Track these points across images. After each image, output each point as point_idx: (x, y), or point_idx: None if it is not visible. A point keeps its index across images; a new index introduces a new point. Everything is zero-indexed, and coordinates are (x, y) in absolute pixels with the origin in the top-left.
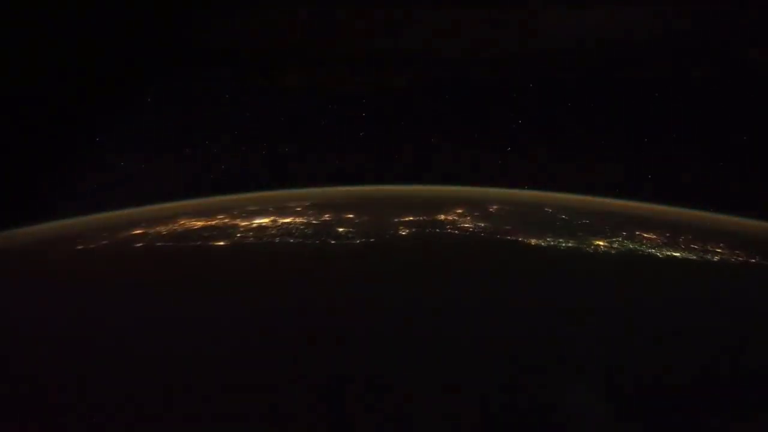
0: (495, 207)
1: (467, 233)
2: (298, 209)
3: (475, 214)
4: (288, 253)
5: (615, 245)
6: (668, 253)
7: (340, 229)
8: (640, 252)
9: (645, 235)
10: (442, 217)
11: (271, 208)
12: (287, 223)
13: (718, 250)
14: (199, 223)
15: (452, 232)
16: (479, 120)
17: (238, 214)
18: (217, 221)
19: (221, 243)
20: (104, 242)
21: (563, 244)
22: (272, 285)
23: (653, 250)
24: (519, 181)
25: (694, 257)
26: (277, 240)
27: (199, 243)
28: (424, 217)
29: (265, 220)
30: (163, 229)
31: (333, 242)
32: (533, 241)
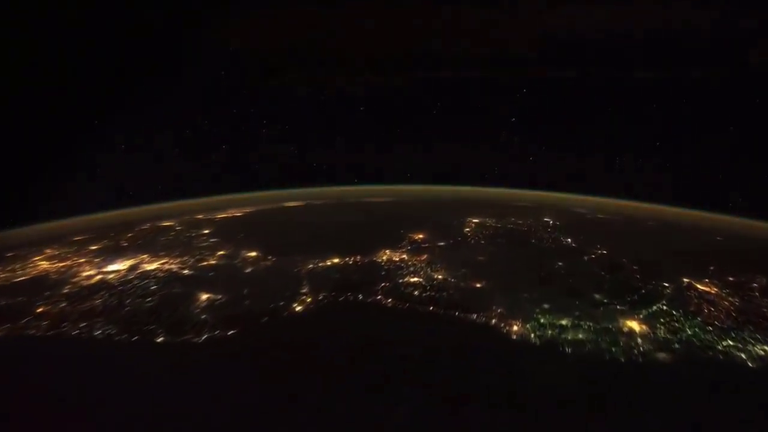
0: (476, 221)
1: (407, 305)
2: (205, 232)
3: (440, 243)
4: (50, 372)
5: (661, 328)
6: (759, 347)
7: (204, 297)
8: (711, 352)
9: (699, 286)
10: (386, 256)
11: (178, 227)
12: (145, 274)
13: None
14: (45, 264)
15: (384, 301)
16: (476, 120)
17: (119, 242)
18: (70, 262)
19: None
20: None
21: (571, 335)
22: None
23: (731, 341)
24: (517, 180)
25: None
26: (78, 329)
27: None
28: (359, 257)
29: (120, 267)
30: None
31: (161, 339)
32: (517, 329)
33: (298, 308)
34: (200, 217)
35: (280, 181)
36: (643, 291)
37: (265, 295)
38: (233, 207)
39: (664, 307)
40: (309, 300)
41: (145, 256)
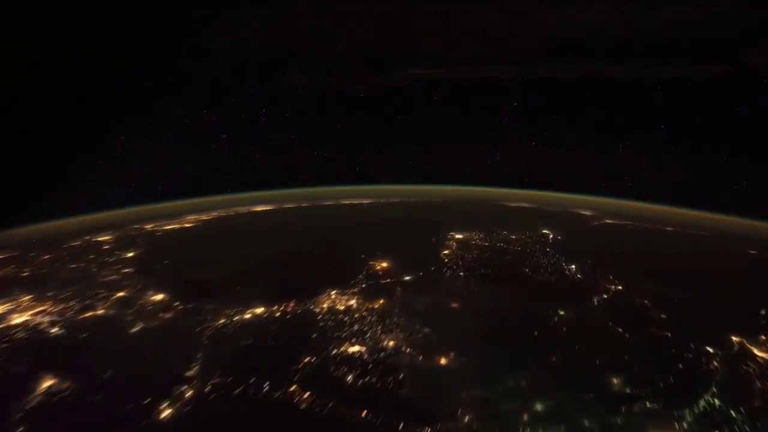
0: (459, 236)
1: (330, 404)
2: (128, 256)
3: (405, 278)
4: None
5: None
6: None
7: (45, 385)
8: None
9: (755, 351)
10: (329, 301)
11: (106, 245)
12: (1, 333)
13: None
14: None
15: (299, 395)
16: (475, 119)
17: (21, 271)
18: None
19: None
20: None
21: None
22: None
23: None
24: (517, 179)
25: None
26: None
27: None
28: (292, 304)
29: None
30: None
31: None
32: None
33: (165, 413)
34: (148, 227)
35: (274, 180)
36: (680, 366)
37: (130, 385)
38: (195, 212)
39: (716, 402)
40: (189, 394)
41: (28, 297)
